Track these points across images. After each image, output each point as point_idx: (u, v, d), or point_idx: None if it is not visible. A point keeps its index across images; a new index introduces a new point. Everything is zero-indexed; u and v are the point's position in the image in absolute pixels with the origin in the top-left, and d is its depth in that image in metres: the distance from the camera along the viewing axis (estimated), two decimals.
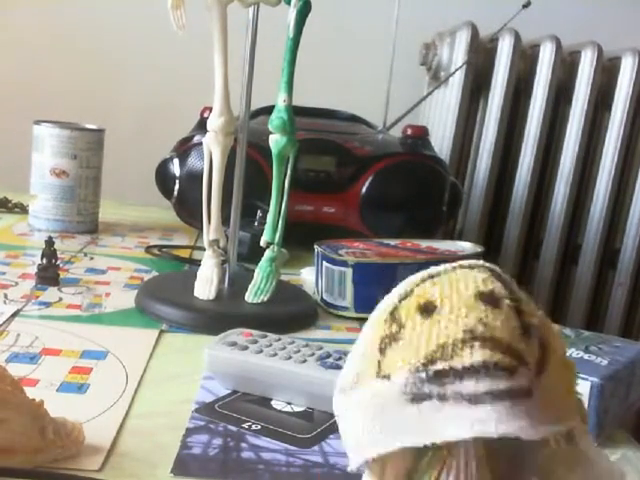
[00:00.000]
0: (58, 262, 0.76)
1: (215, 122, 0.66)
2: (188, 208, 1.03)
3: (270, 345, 0.54)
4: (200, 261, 0.71)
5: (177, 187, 1.02)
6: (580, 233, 1.56)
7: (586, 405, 0.46)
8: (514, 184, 1.51)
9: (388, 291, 0.32)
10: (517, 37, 1.44)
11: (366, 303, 0.73)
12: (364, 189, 1.02)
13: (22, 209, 1.10)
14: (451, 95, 1.47)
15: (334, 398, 0.31)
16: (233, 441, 0.45)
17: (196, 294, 0.68)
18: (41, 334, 0.60)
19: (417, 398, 0.27)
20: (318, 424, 0.49)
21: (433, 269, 0.31)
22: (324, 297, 0.76)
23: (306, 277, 0.85)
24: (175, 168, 1.02)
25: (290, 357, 0.52)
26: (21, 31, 1.55)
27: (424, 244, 0.83)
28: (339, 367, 0.51)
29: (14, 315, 0.64)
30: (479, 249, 0.82)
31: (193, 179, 0.99)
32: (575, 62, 1.48)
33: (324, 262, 0.75)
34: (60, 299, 0.70)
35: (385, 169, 1.03)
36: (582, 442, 0.29)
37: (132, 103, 1.58)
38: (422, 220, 1.05)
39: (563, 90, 1.50)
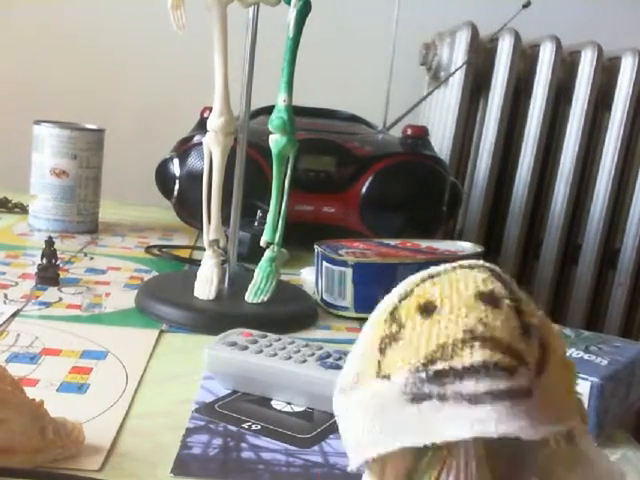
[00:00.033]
0: (58, 262, 0.76)
1: (215, 122, 0.66)
2: (188, 208, 1.03)
3: (270, 345, 0.54)
4: (200, 261, 0.71)
5: (177, 187, 1.02)
6: (580, 233, 1.56)
7: (586, 405, 0.46)
8: (514, 184, 1.51)
9: (388, 291, 0.31)
10: (517, 37, 1.44)
11: (366, 303, 0.73)
12: (364, 189, 1.02)
13: (22, 209, 1.10)
14: (451, 95, 1.47)
15: (334, 398, 0.31)
16: (233, 441, 0.45)
17: (196, 294, 0.68)
18: (41, 334, 0.60)
19: (417, 398, 0.27)
20: (318, 424, 0.49)
21: (433, 269, 0.31)
22: (324, 297, 0.76)
23: (306, 277, 0.85)
24: (175, 168, 1.02)
25: (290, 357, 0.52)
26: (21, 31, 1.55)
27: (424, 244, 0.83)
28: (339, 367, 0.50)
29: (14, 315, 0.64)
30: (479, 249, 0.82)
31: (193, 179, 0.99)
32: (575, 62, 1.48)
33: (324, 262, 0.75)
34: (60, 299, 0.70)
35: (385, 169, 1.03)
36: (582, 442, 0.29)
37: (132, 103, 1.58)
38: (422, 220, 1.05)
39: (563, 90, 1.50)
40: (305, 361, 0.51)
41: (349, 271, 0.73)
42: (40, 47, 1.55)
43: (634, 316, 1.60)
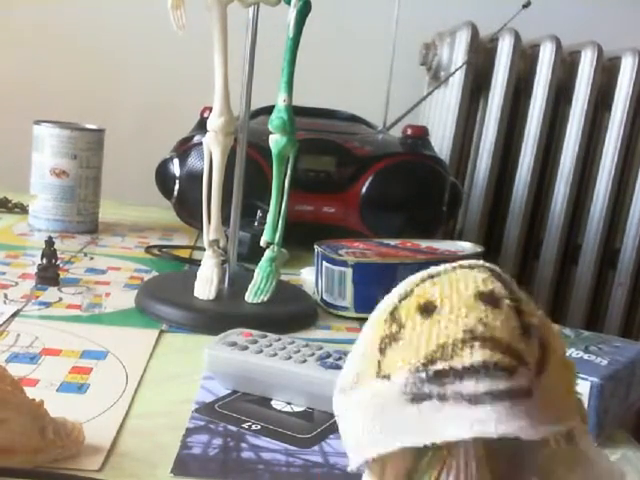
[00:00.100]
0: (58, 262, 0.76)
1: (215, 122, 0.66)
2: (188, 208, 1.03)
3: (270, 345, 0.54)
4: (200, 261, 0.71)
5: (177, 187, 1.02)
6: (580, 233, 1.56)
7: (586, 405, 0.46)
8: (514, 184, 1.51)
9: (388, 291, 0.31)
10: (517, 37, 1.44)
11: (366, 303, 0.73)
12: (364, 189, 1.02)
13: (22, 209, 1.10)
14: (451, 95, 1.47)
15: (334, 398, 0.31)
16: (233, 441, 0.45)
17: (196, 294, 0.68)
18: (41, 334, 0.60)
19: (417, 398, 0.27)
20: (318, 424, 0.49)
21: (433, 269, 0.31)
22: (324, 297, 0.76)
23: (306, 277, 0.85)
24: (175, 168, 1.02)
25: (290, 357, 0.52)
26: (21, 31, 1.55)
27: (424, 244, 0.83)
28: (339, 367, 0.51)
29: (14, 315, 0.64)
30: (479, 249, 0.82)
31: (193, 179, 0.99)
32: (575, 62, 1.48)
33: (324, 262, 0.75)
34: (60, 299, 0.70)
35: (385, 169, 1.03)
36: (582, 442, 0.29)
37: (132, 103, 1.58)
38: (422, 220, 1.05)
39: (563, 90, 1.50)
40: (305, 361, 0.51)
41: (349, 271, 0.73)
42: (40, 47, 1.55)
43: (634, 316, 1.60)
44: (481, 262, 0.31)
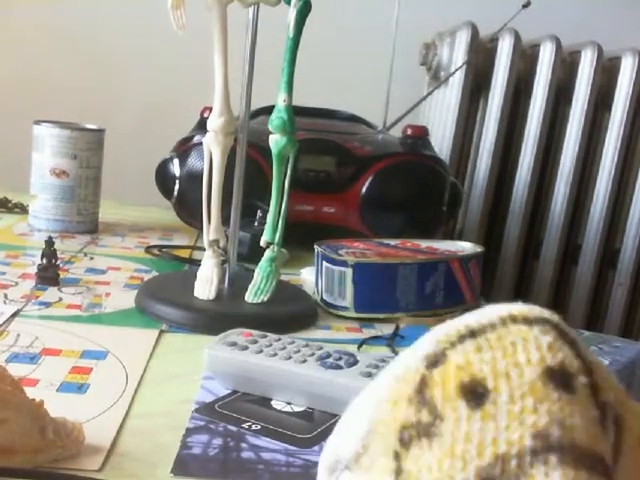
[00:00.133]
0: (58, 262, 0.76)
1: (215, 122, 0.66)
2: (188, 208, 1.03)
3: (270, 345, 0.54)
4: (200, 261, 0.71)
5: (177, 187, 1.02)
6: (580, 233, 1.56)
7: None
8: (514, 184, 1.51)
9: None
10: (517, 37, 1.44)
11: (366, 303, 0.73)
12: (364, 189, 1.02)
13: (22, 209, 1.10)
14: (451, 95, 1.47)
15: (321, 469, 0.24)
16: (233, 441, 0.45)
17: (196, 294, 0.68)
18: (41, 334, 0.60)
19: None
20: (318, 424, 0.49)
21: (472, 320, 0.23)
22: (324, 297, 0.76)
23: (306, 277, 0.85)
24: (175, 168, 1.02)
25: (290, 357, 0.52)
26: (21, 31, 1.55)
27: (424, 244, 0.83)
28: (339, 367, 0.51)
29: (14, 315, 0.64)
30: (479, 249, 0.82)
31: (193, 179, 0.99)
32: (575, 62, 1.48)
33: (324, 262, 0.75)
34: (60, 299, 0.70)
35: (385, 169, 1.03)
36: None
37: (132, 103, 1.58)
38: (422, 220, 1.05)
39: (563, 90, 1.50)
40: (305, 361, 0.51)
41: (349, 271, 0.73)
42: (40, 47, 1.55)
43: (634, 316, 1.60)
44: (538, 310, 0.23)
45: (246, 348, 0.53)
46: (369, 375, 0.49)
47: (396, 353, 0.63)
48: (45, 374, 0.52)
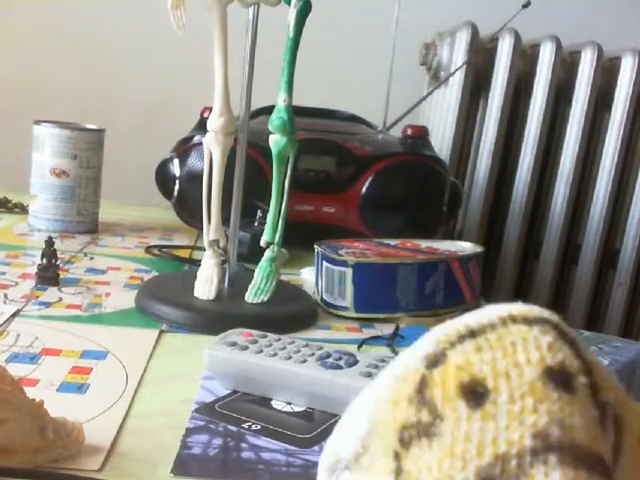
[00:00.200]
0: (58, 262, 0.76)
1: (215, 122, 0.66)
2: (188, 208, 1.03)
3: (270, 345, 0.54)
4: (200, 261, 0.71)
5: (177, 187, 1.02)
6: (580, 233, 1.56)
7: None
8: (514, 184, 1.51)
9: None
10: (517, 37, 1.44)
11: (366, 303, 0.73)
12: (364, 189, 1.02)
13: (22, 209, 1.10)
14: (451, 95, 1.47)
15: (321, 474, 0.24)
16: (233, 441, 0.45)
17: (196, 294, 0.68)
18: (41, 334, 0.60)
19: None
20: (318, 424, 0.49)
21: (472, 320, 0.23)
22: (324, 297, 0.76)
23: (306, 277, 0.85)
24: (175, 168, 1.02)
25: (290, 357, 0.52)
26: (21, 31, 1.55)
27: (424, 244, 0.83)
28: (339, 367, 0.51)
29: (14, 315, 0.64)
30: (479, 249, 0.82)
31: (193, 179, 0.99)
32: (575, 62, 1.48)
33: (324, 262, 0.75)
34: (60, 299, 0.70)
35: (385, 169, 1.03)
36: None
37: (132, 103, 1.58)
38: (422, 220, 1.05)
39: (563, 90, 1.50)
40: (305, 361, 0.51)
41: (349, 271, 0.73)
42: (40, 47, 1.55)
43: (634, 316, 1.60)
44: (538, 310, 0.23)
45: (246, 348, 0.53)
46: (369, 375, 0.49)
47: (396, 353, 0.63)
48: (45, 374, 0.52)
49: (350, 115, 1.25)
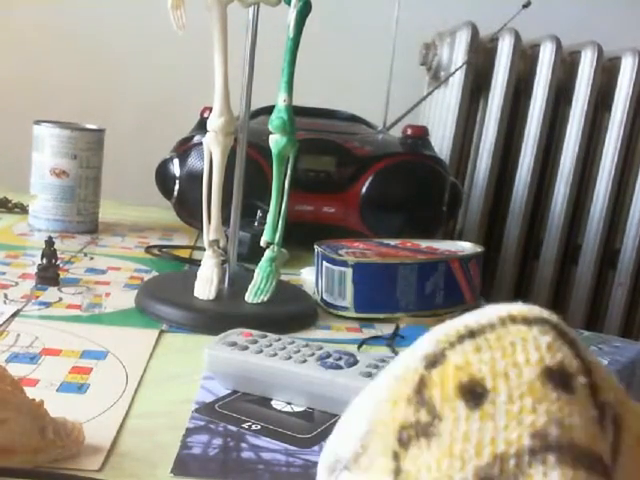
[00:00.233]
0: (58, 262, 0.76)
1: (215, 122, 0.66)
2: (188, 208, 1.03)
3: (270, 345, 0.54)
4: (200, 261, 0.71)
5: (177, 187, 1.02)
6: (580, 233, 1.56)
7: None
8: (514, 184, 1.51)
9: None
10: (517, 37, 1.44)
11: (366, 303, 0.73)
12: (364, 189, 1.02)
13: (22, 209, 1.10)
14: (451, 95, 1.47)
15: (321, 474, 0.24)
16: (233, 441, 0.45)
17: (196, 294, 0.68)
18: (41, 334, 0.60)
19: None
20: (318, 424, 0.49)
21: (472, 320, 0.23)
22: (324, 297, 0.76)
23: (306, 277, 0.85)
24: (175, 168, 1.02)
25: (290, 357, 0.52)
26: (21, 31, 1.55)
27: (424, 244, 0.83)
28: (339, 367, 0.51)
29: (14, 315, 0.64)
30: (479, 249, 0.82)
31: (193, 179, 0.99)
32: (575, 62, 1.48)
33: (324, 262, 0.75)
34: (60, 299, 0.70)
35: (385, 169, 1.03)
36: None
37: (132, 103, 1.58)
38: (422, 220, 1.05)
39: (563, 90, 1.50)
40: (305, 361, 0.51)
41: (349, 271, 0.73)
42: (40, 47, 1.55)
43: (634, 316, 1.60)
44: (537, 310, 0.23)
45: (246, 348, 0.53)
46: (369, 375, 0.49)
47: (396, 353, 0.63)
48: (45, 374, 0.52)
49: (350, 115, 1.25)
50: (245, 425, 0.48)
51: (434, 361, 0.22)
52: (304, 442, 0.46)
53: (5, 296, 0.69)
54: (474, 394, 0.20)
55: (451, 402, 0.20)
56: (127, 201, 1.28)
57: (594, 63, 1.45)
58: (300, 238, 0.87)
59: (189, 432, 0.46)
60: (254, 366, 0.51)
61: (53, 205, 0.99)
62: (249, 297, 0.69)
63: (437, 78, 1.50)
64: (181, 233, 1.07)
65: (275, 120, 0.66)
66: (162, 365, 0.57)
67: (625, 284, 1.55)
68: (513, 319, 0.22)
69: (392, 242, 0.84)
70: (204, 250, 0.70)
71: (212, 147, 0.67)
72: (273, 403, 0.52)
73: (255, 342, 0.54)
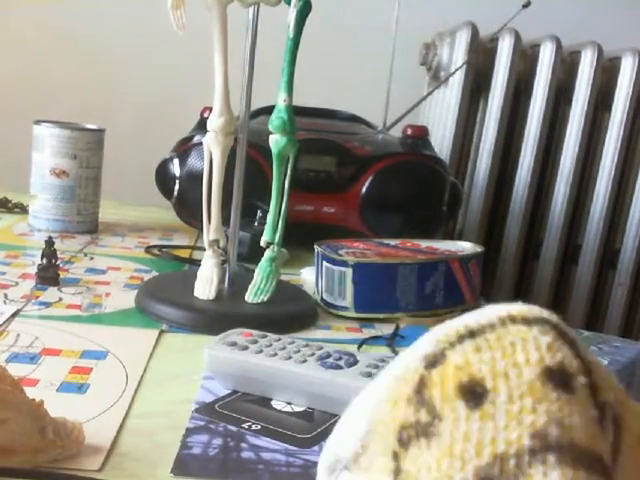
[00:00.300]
0: (58, 262, 0.76)
1: (215, 122, 0.66)
2: (188, 208, 1.03)
3: (270, 345, 0.54)
4: (200, 261, 0.71)
5: (177, 187, 1.02)
6: (580, 233, 1.56)
7: None
8: (514, 184, 1.51)
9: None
10: (517, 37, 1.44)
11: (366, 303, 0.73)
12: (364, 189, 1.02)
13: (22, 209, 1.10)
14: (451, 95, 1.47)
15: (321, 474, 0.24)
16: (233, 441, 0.45)
17: (196, 294, 0.68)
18: (41, 334, 0.60)
19: None
20: (318, 424, 0.49)
21: (472, 320, 0.23)
22: (324, 297, 0.76)
23: (306, 277, 0.85)
24: (175, 168, 1.02)
25: (290, 357, 0.52)
26: (21, 31, 1.55)
27: (424, 244, 0.83)
28: (339, 367, 0.51)
29: (14, 315, 0.64)
30: (479, 249, 0.82)
31: (193, 179, 0.99)
32: (575, 62, 1.48)
33: (324, 262, 0.75)
34: (60, 299, 0.70)
35: (385, 169, 1.03)
36: None
37: (132, 103, 1.58)
38: (422, 220, 1.05)
39: (563, 90, 1.50)
40: (305, 361, 0.51)
41: (349, 271, 0.73)
42: (40, 47, 1.55)
43: (634, 316, 1.60)
44: (537, 310, 0.23)
45: (246, 348, 0.53)
46: (369, 375, 0.49)
47: (396, 353, 0.63)
48: (45, 374, 0.52)
49: (350, 115, 1.25)
50: (245, 425, 0.48)
51: (434, 361, 0.22)
52: (304, 442, 0.46)
53: (5, 296, 0.69)
54: (474, 394, 0.20)
55: (451, 402, 0.20)
56: (127, 201, 1.28)
57: (594, 63, 1.45)
58: (300, 238, 0.87)
59: (189, 432, 0.46)
60: (254, 366, 0.51)
61: (53, 205, 0.99)
62: (249, 297, 0.69)
63: (437, 78, 1.50)
64: (181, 233, 1.07)
65: (275, 120, 0.66)
66: (162, 365, 0.57)
67: (625, 284, 1.55)
68: (513, 319, 0.22)
69: (392, 242, 0.84)
70: (204, 250, 0.70)
71: (212, 147, 0.67)
72: (273, 403, 0.52)
73: (255, 342, 0.54)
